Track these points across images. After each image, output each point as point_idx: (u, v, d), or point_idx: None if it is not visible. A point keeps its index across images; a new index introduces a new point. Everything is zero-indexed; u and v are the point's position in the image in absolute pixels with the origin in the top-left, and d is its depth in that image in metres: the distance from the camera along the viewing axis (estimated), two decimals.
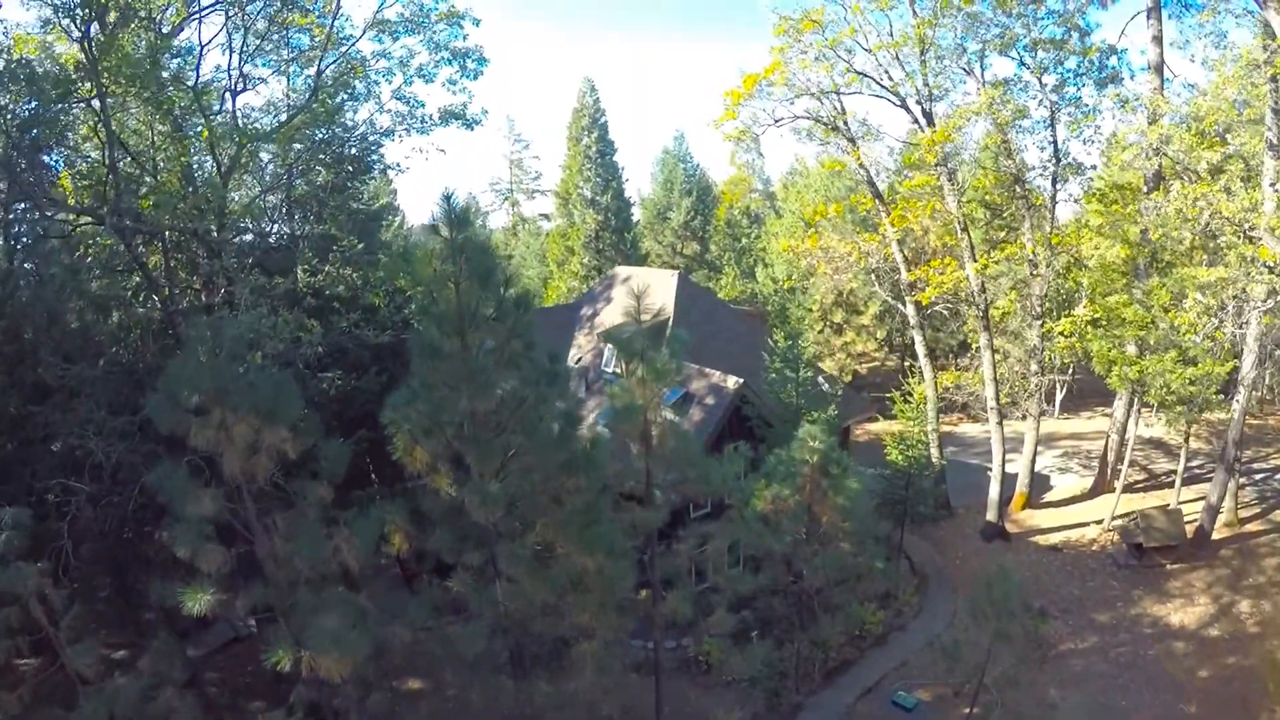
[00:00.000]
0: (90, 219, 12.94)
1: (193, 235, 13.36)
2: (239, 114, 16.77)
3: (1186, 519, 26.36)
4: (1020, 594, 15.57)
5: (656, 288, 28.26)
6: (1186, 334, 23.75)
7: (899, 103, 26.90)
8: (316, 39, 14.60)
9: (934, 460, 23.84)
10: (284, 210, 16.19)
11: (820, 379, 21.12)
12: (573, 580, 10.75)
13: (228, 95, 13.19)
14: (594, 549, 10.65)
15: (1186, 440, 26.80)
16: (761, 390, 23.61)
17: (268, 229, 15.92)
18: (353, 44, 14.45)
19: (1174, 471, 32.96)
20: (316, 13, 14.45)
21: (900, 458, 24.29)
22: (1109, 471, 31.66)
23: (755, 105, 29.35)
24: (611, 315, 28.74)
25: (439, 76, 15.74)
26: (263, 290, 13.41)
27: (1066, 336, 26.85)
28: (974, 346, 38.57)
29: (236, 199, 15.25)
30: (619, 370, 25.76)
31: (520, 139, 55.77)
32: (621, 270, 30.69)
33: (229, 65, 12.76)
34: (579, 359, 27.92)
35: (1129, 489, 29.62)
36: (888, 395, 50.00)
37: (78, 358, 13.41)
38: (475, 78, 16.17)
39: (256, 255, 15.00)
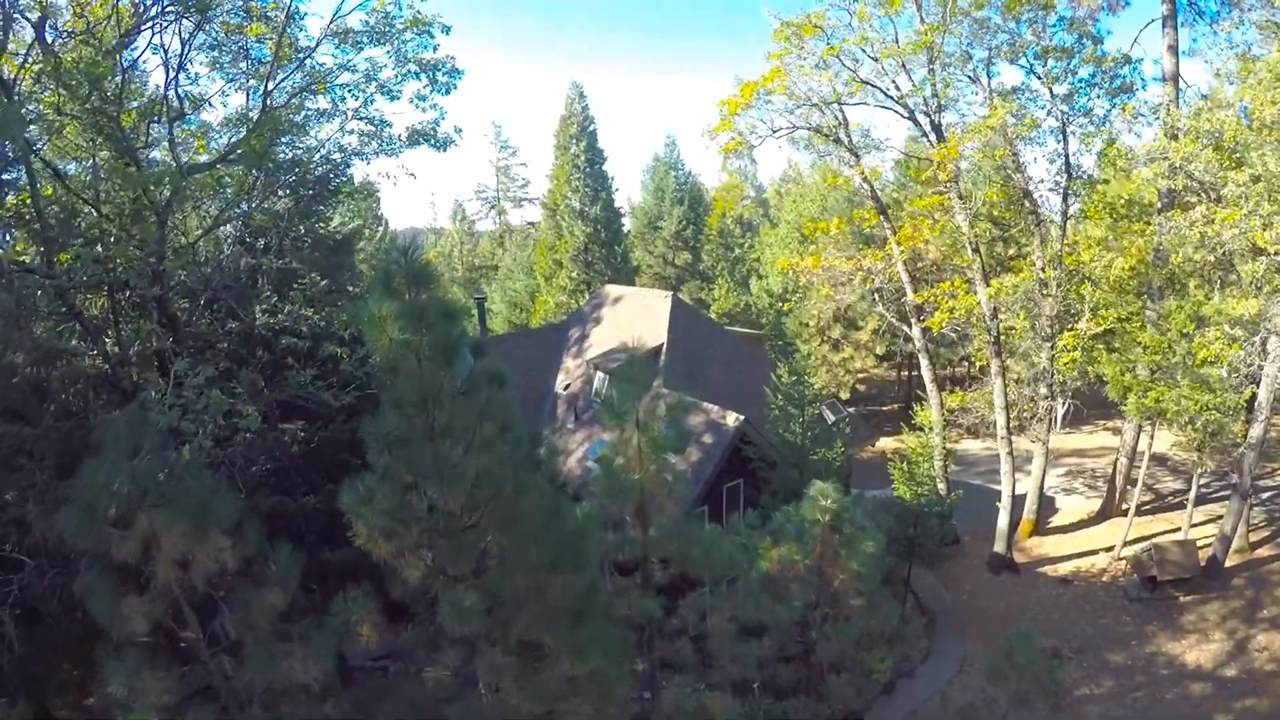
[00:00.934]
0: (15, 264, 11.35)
1: (137, 275, 11.79)
2: (194, 135, 15.23)
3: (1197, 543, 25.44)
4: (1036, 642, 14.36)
5: (649, 310, 26.97)
6: (1208, 367, 22.48)
7: (907, 114, 25.57)
8: (268, 51, 12.97)
9: (943, 495, 22.49)
10: (240, 242, 14.58)
11: (824, 408, 19.72)
12: (564, 688, 9.26)
13: (164, 123, 11.56)
14: (587, 653, 9.15)
15: (1199, 467, 25.65)
16: (761, 422, 22.23)
17: (223, 263, 14.26)
18: (308, 54, 12.73)
19: (1181, 491, 32.13)
20: (271, 21, 12.79)
21: (908, 493, 22.97)
22: (1117, 495, 30.54)
23: (753, 115, 28.07)
24: (601, 337, 27.24)
25: (405, 92, 14.06)
26: (209, 343, 11.89)
27: (1070, 350, 25.62)
28: (978, 366, 37.43)
29: (185, 230, 13.64)
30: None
31: (507, 145, 54.24)
32: (612, 289, 29.19)
33: (165, 89, 11.15)
34: (567, 385, 26.41)
35: (1137, 512, 28.43)
36: (884, 407, 49.02)
37: (24, 413, 11.89)
38: (447, 92, 14.46)
39: (208, 294, 13.38)
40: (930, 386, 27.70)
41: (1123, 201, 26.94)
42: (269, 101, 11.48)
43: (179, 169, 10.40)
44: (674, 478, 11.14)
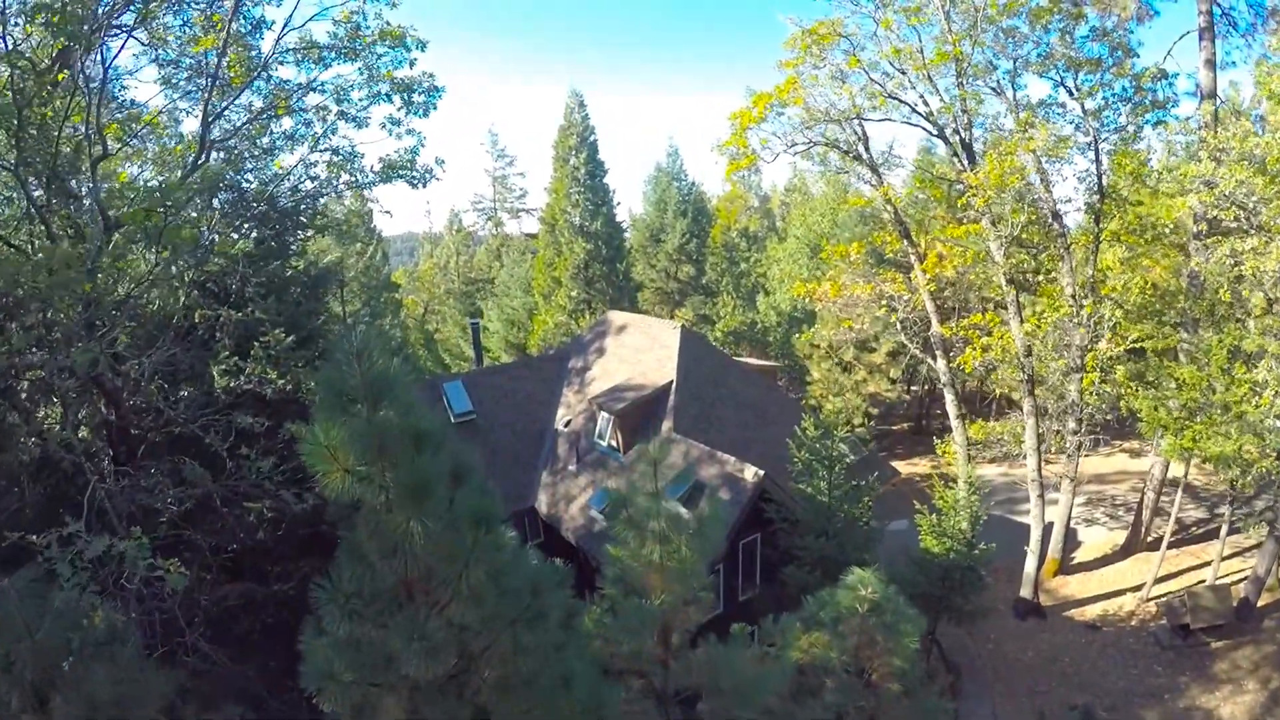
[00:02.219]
0: None
1: (64, 340, 9.91)
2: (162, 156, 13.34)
3: (1222, 576, 24.71)
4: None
5: (656, 342, 25.09)
6: (1247, 405, 20.75)
7: (936, 131, 23.78)
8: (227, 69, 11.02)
9: (973, 547, 20.66)
10: (199, 287, 12.66)
11: (844, 447, 17.88)
12: None
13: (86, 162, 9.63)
14: None
15: (1231, 505, 23.98)
16: (777, 465, 20.39)
17: (174, 316, 12.34)
18: (259, 72, 10.72)
19: (1204, 520, 30.87)
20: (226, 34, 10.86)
21: (936, 546, 21.13)
22: (1143, 529, 29.04)
23: (766, 129, 26.31)
24: (605, 369, 25.35)
25: (375, 116, 12.13)
26: (158, 419, 10.02)
27: (1089, 372, 23.90)
28: (997, 392, 35.65)
29: (132, 278, 11.72)
30: (614, 443, 22.59)
31: (504, 154, 52.18)
32: (616, 317, 27.26)
33: (85, 125, 9.19)
34: (567, 421, 24.50)
35: (1160, 545, 27.14)
36: (894, 426, 47.15)
37: None
38: (425, 114, 12.39)
39: (155, 355, 11.46)
40: (955, 423, 25.88)
41: (1162, 223, 25.23)
42: (209, 129, 9.53)
43: (105, 220, 8.49)
44: (698, 582, 9.36)
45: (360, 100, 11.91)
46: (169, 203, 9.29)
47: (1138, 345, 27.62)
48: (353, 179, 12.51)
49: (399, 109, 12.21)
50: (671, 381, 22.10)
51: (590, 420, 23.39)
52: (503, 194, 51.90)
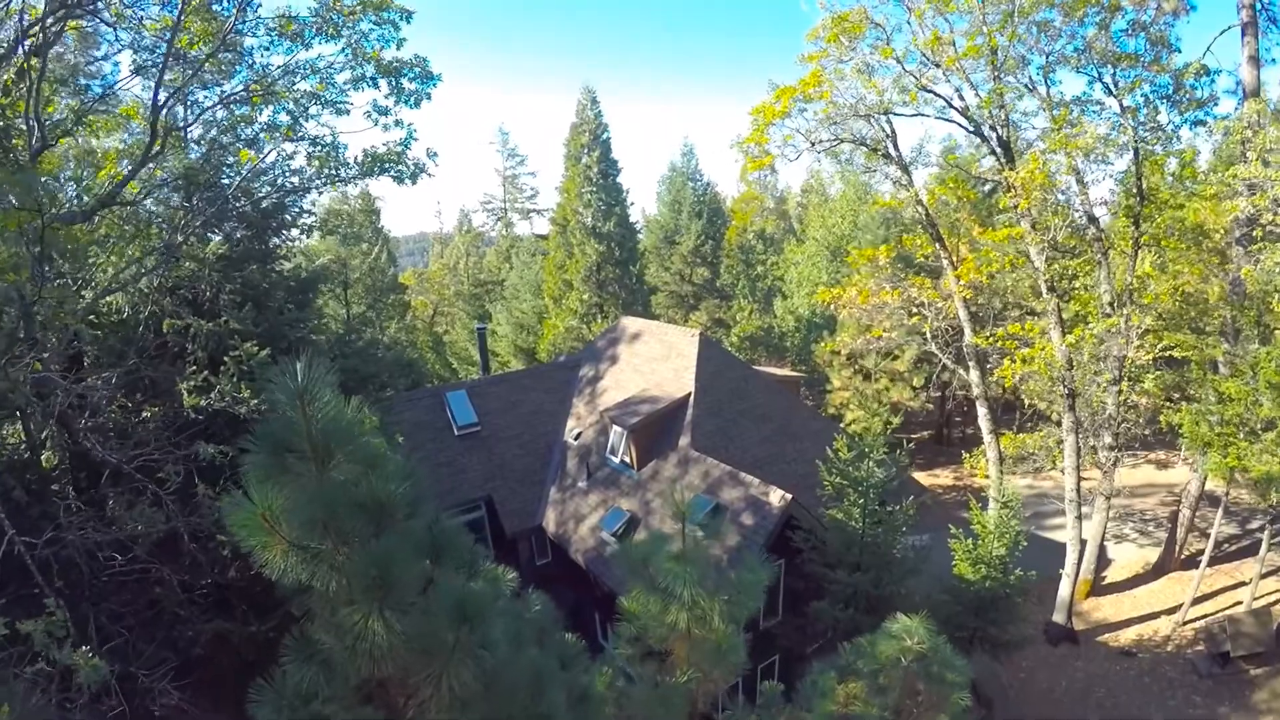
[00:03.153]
0: None
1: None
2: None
3: (1260, 596, 23.65)
4: None
5: (673, 351, 23.64)
6: None
7: (972, 127, 22.27)
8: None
9: (1009, 573, 19.17)
10: (170, 293, 11.36)
11: (880, 473, 16.40)
12: None
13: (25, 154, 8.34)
14: None
15: (1272, 522, 22.44)
16: (799, 484, 18.95)
17: (138, 328, 11.04)
18: (220, 45, 9.27)
19: (1237, 536, 29.71)
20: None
21: (971, 573, 19.62)
22: (1177, 547, 27.79)
23: (789, 125, 24.96)
24: (618, 379, 23.93)
25: (361, 103, 10.64)
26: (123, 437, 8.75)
27: (1123, 381, 22.43)
28: (1024, 405, 34.02)
29: (95, 283, 10.42)
30: (627, 459, 21.19)
31: (515, 154, 50.74)
32: (630, 323, 25.82)
33: (26, 113, 7.85)
34: (577, 434, 23.09)
35: (1194, 563, 26.52)
36: (913, 435, 45.59)
37: None
38: (417, 103, 10.97)
39: (119, 372, 10.18)
40: (989, 438, 24.32)
41: (1210, 227, 23.76)
42: (161, 113, 8.14)
43: (42, 216, 7.18)
44: (734, 657, 8.00)
45: (344, 84, 10.49)
46: (96, 200, 7.96)
47: (1168, 354, 26.30)
48: (334, 173, 11.10)
49: (387, 96, 10.81)
50: (689, 394, 20.66)
51: (602, 434, 21.99)
52: (513, 194, 50.51)
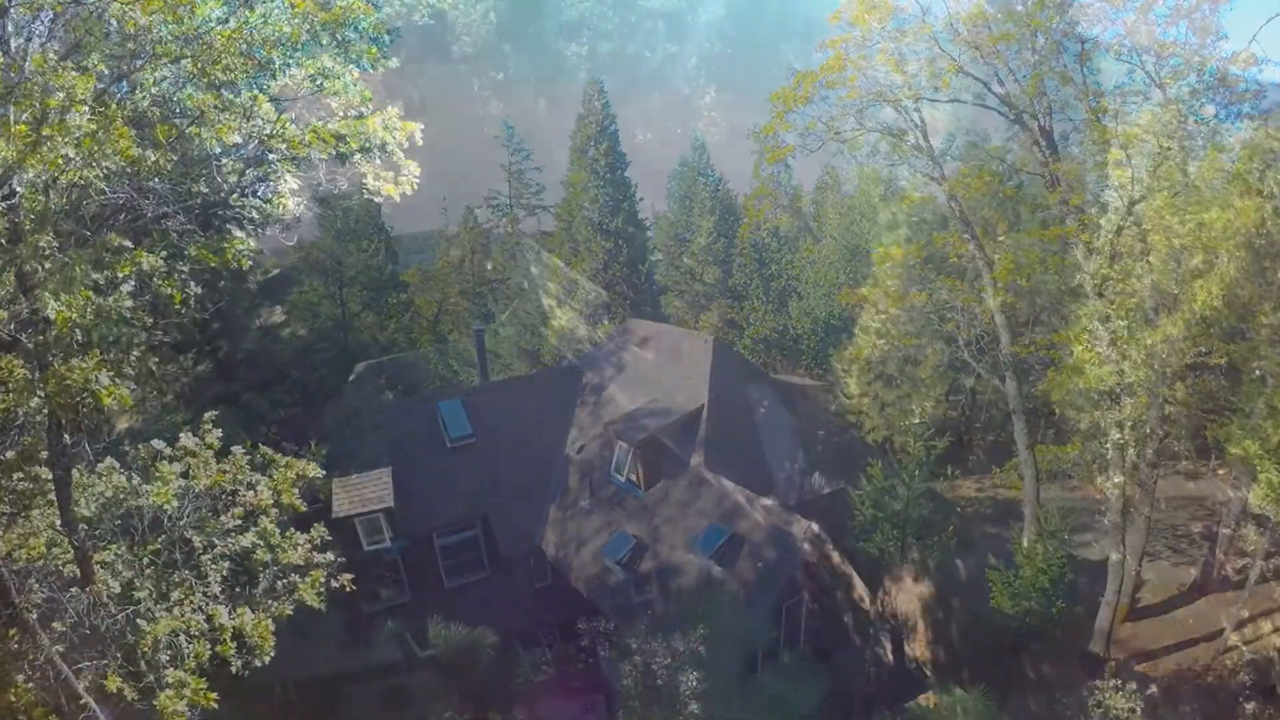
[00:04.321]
0: None
1: None
2: None
3: None
4: None
5: (684, 358, 21.81)
6: None
7: (1013, 116, 20.60)
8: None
9: (1052, 604, 17.44)
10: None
11: (915, 499, 14.69)
12: None
13: None
14: None
15: None
16: (827, 510, 17.18)
17: None
18: None
19: (1273, 553, 27.85)
20: None
21: (1009, 605, 17.88)
22: (1216, 568, 26.02)
23: (810, 112, 23.46)
24: (623, 389, 22.19)
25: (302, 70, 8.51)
26: None
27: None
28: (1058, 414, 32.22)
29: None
30: (634, 478, 19.46)
31: (521, 148, 48.92)
32: (638, 326, 24.08)
33: None
34: (580, 447, 21.35)
35: (1232, 583, 24.97)
36: (933, 447, 43.71)
37: None
38: (372, 66, 8.86)
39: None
40: (1025, 454, 22.45)
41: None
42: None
43: None
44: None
45: (276, 39, 8.48)
46: None
47: (1204, 360, 24.69)
48: (278, 155, 9.19)
49: (335, 56, 8.80)
50: (702, 406, 18.88)
51: (606, 448, 20.24)
52: (519, 189, 48.84)
